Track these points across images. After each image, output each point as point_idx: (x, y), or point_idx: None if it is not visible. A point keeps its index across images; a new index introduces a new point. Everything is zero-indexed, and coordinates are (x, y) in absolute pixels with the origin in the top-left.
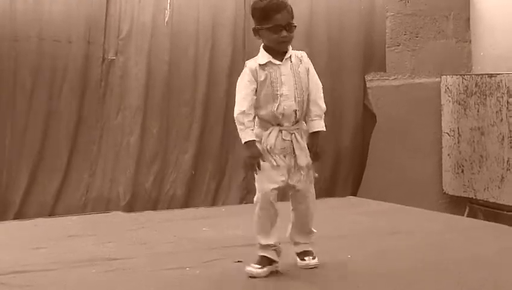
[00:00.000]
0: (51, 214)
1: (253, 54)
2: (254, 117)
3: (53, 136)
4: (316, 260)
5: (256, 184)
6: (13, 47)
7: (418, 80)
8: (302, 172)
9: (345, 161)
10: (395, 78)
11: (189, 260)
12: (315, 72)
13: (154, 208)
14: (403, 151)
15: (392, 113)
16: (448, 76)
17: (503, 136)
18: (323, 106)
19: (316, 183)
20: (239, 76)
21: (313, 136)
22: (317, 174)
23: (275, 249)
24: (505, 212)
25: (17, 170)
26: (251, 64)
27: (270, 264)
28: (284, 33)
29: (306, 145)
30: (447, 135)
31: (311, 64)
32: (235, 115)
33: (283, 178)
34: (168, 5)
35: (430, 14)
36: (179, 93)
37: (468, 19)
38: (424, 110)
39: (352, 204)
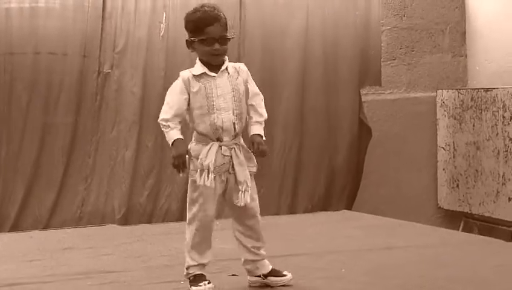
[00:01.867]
0: (47, 227)
1: (248, 69)
2: (180, 124)
3: (48, 149)
4: (289, 276)
5: (193, 203)
6: (9, 61)
7: (413, 94)
8: (240, 187)
9: (340, 175)
10: (390, 92)
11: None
12: (254, 83)
13: (149, 222)
14: (398, 165)
15: (387, 127)
16: (444, 90)
17: (498, 151)
18: (265, 114)
19: (311, 197)
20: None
21: (254, 136)
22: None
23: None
24: (500, 226)
25: (12, 183)
26: (184, 74)
27: (210, 282)
28: (217, 46)
29: (245, 160)
30: (442, 149)
31: (250, 75)
32: (159, 121)
33: (216, 201)
34: (164, 18)
35: (426, 28)
36: None
37: (464, 33)
38: (420, 125)
39: (346, 218)
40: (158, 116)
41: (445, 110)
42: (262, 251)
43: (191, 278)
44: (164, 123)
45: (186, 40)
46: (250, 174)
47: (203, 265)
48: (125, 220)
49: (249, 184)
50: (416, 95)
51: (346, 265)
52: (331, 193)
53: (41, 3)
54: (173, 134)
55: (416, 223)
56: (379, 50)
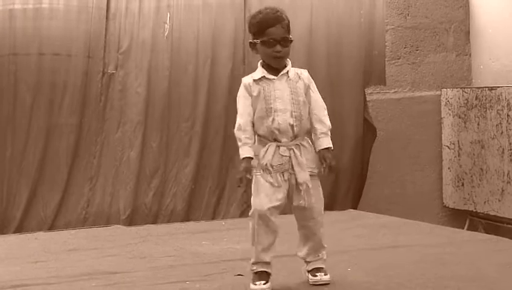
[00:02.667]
0: (51, 228)
1: (253, 70)
2: (253, 133)
3: (53, 150)
4: (328, 277)
5: (252, 199)
6: (13, 62)
7: (418, 93)
8: (301, 188)
9: (345, 174)
10: (395, 92)
11: (190, 274)
12: (318, 92)
13: (155, 222)
14: (403, 164)
15: (392, 126)
16: (448, 89)
17: (503, 149)
18: (328, 123)
19: None
20: (238, 92)
21: (323, 152)
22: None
23: (270, 264)
24: (505, 225)
25: (17, 184)
26: (246, 79)
27: (269, 280)
28: (278, 47)
29: (304, 161)
30: (447, 148)
31: (313, 83)
32: (234, 131)
33: (281, 196)
34: (168, 19)
35: (430, 27)
36: (179, 109)
37: (468, 32)
38: (424, 124)
39: (352, 217)
40: (163, 116)
41: (449, 109)
42: (317, 254)
43: (254, 273)
44: (236, 135)
45: (250, 42)
46: (311, 175)
47: (266, 262)
48: (130, 221)
49: (310, 185)
50: (420, 94)
51: (352, 264)
52: (336, 193)
53: (45, 4)
54: (242, 151)
55: (422, 222)
56: (383, 49)
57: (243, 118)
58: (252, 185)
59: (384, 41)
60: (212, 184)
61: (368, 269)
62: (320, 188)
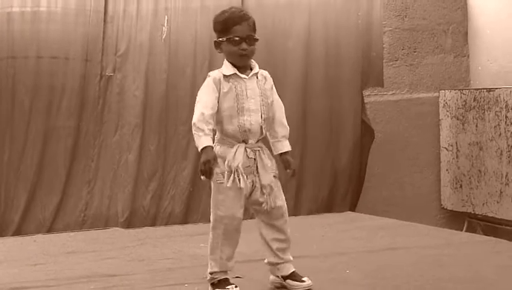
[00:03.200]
0: (50, 231)
1: None
2: (213, 129)
3: (51, 153)
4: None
5: (216, 208)
6: (11, 65)
7: (416, 95)
8: (264, 191)
9: (343, 176)
10: (393, 93)
11: (188, 277)
12: (276, 93)
13: (153, 224)
14: (401, 166)
15: (390, 128)
16: (446, 91)
17: (501, 151)
18: (287, 126)
19: (315, 198)
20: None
21: (285, 156)
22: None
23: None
24: (504, 226)
25: (15, 187)
26: (215, 74)
27: (237, 286)
28: (244, 45)
29: (268, 164)
30: (445, 149)
31: (273, 85)
32: (193, 122)
33: (243, 202)
34: (166, 21)
35: (428, 29)
36: (176, 111)
37: (466, 34)
38: (423, 125)
39: (350, 219)
40: (161, 119)
41: (447, 111)
42: (286, 255)
43: (215, 282)
44: (198, 126)
45: (214, 41)
46: (274, 177)
47: (226, 270)
48: (128, 224)
49: (274, 187)
50: (418, 96)
51: (351, 266)
52: (334, 195)
53: (43, 7)
54: (204, 140)
55: (420, 224)
56: (381, 51)
57: (207, 110)
58: (214, 193)
59: (382, 43)
60: (210, 187)
61: (366, 271)
62: (281, 189)
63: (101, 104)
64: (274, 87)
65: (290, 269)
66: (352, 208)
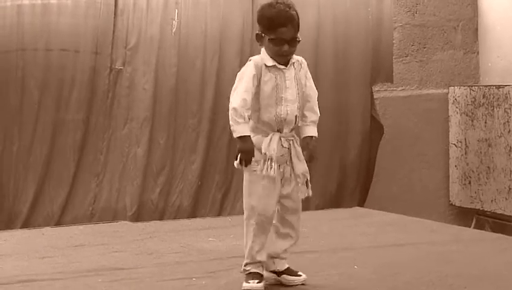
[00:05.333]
0: (58, 224)
1: None
2: (258, 119)
3: (60, 146)
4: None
5: (250, 200)
6: (21, 57)
7: (425, 91)
8: (298, 180)
9: (352, 172)
10: (402, 89)
11: (196, 270)
12: (311, 79)
13: (161, 218)
14: (410, 162)
15: (399, 124)
16: (456, 87)
17: (510, 148)
18: (318, 112)
19: (323, 194)
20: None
21: (308, 139)
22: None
23: (263, 265)
24: None
25: (24, 180)
26: (258, 60)
27: (262, 280)
28: (286, 47)
29: (302, 153)
30: (454, 146)
31: (308, 70)
32: (233, 106)
33: (278, 193)
34: (176, 15)
35: (438, 25)
36: (186, 105)
37: (476, 30)
38: (432, 121)
39: (359, 215)
40: (170, 113)
41: (457, 107)
42: (287, 253)
43: (247, 274)
44: (240, 112)
45: (257, 34)
46: None
47: (259, 262)
48: (136, 217)
49: (308, 177)
50: (428, 92)
51: (359, 262)
52: (343, 190)
53: (53, 0)
54: (244, 128)
55: (428, 220)
56: (391, 47)
57: (248, 95)
58: (246, 183)
59: (392, 39)
60: (219, 181)
61: (374, 267)
62: None
63: (110, 98)
64: (309, 73)
65: (285, 264)
66: (361, 203)
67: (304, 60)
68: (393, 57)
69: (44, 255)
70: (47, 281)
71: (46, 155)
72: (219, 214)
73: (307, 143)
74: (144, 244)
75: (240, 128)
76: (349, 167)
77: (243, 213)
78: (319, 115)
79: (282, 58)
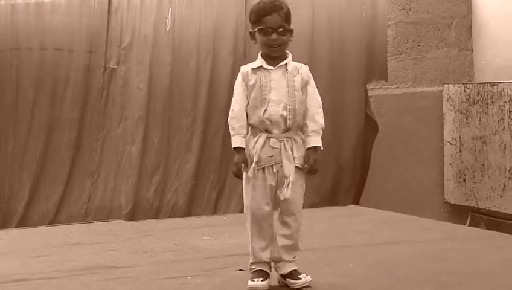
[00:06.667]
0: (53, 222)
1: None
2: (246, 122)
3: (55, 145)
4: (309, 277)
5: (246, 199)
6: (15, 56)
7: (420, 89)
8: (285, 181)
9: (346, 170)
10: (397, 87)
11: (191, 269)
12: (316, 89)
13: (156, 217)
14: (405, 160)
15: (393, 122)
16: (450, 85)
17: (505, 145)
18: (321, 121)
19: (319, 192)
20: None
21: (309, 151)
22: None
23: (269, 264)
24: (507, 221)
25: (19, 178)
26: (244, 68)
27: (267, 278)
28: (274, 36)
29: (294, 155)
30: (448, 143)
31: (313, 80)
32: (228, 119)
33: (273, 194)
34: (169, 14)
35: (432, 22)
36: (180, 104)
37: (470, 28)
38: (426, 119)
39: (354, 213)
40: (164, 111)
41: (451, 105)
42: (290, 254)
43: (252, 272)
44: (230, 123)
45: (250, 32)
46: (299, 169)
47: (264, 262)
48: (131, 216)
49: (290, 179)
50: (422, 90)
51: (354, 260)
52: (338, 188)
53: None
54: (235, 140)
55: (423, 217)
56: (385, 45)
57: (237, 105)
58: (243, 184)
59: (386, 37)
60: (213, 179)
61: (369, 265)
62: (304, 187)
63: (104, 96)
64: (312, 82)
65: (289, 267)
66: (356, 201)
67: (304, 67)
68: (388, 54)
69: (39, 254)
70: (42, 279)
71: (41, 154)
72: (214, 213)
73: (308, 156)
74: (138, 242)
75: (233, 140)
76: (344, 165)
77: (238, 212)
78: (322, 124)
79: (274, 50)
